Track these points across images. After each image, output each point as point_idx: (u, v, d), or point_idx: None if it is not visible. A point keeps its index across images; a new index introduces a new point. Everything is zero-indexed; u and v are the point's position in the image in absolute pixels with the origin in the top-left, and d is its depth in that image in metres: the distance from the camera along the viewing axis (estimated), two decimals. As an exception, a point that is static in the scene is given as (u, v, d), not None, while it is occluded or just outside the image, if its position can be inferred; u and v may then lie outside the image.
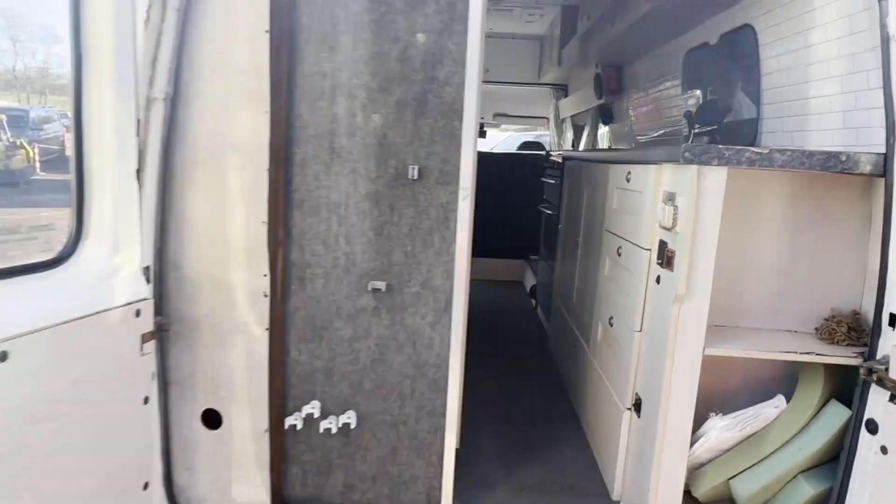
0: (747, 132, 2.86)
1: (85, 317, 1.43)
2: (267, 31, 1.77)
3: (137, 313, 1.64)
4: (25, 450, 1.30)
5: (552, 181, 4.34)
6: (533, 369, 3.70)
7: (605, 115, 5.39)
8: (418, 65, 1.88)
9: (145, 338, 1.68)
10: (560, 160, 4.05)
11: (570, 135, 7.44)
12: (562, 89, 7.30)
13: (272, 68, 1.79)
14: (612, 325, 2.47)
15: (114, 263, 1.58)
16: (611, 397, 2.40)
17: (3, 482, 1.25)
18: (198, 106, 1.82)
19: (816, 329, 2.09)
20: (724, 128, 3.11)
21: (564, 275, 3.71)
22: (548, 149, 7.70)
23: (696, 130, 3.13)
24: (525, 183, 5.57)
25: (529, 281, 5.71)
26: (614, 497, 2.30)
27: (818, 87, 2.25)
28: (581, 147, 6.59)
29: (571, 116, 7.10)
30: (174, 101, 1.80)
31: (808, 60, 2.29)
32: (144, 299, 1.67)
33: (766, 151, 1.74)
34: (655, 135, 4.70)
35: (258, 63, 1.78)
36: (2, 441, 1.24)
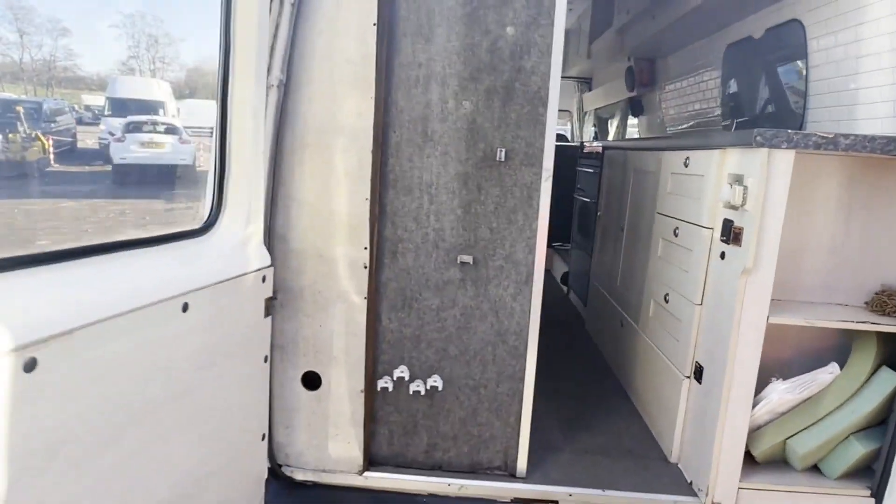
0: (791, 122, 3.01)
1: (231, 278, 1.61)
2: (374, 24, 1.93)
3: (263, 279, 1.81)
4: (190, 393, 1.47)
5: (590, 171, 4.49)
6: (574, 349, 3.88)
7: (636, 107, 5.54)
8: (507, 55, 2.04)
9: (267, 302, 1.86)
10: (599, 150, 4.20)
11: (592, 127, 7.58)
12: (586, 83, 7.44)
13: (378, 58, 1.95)
14: (667, 302, 2.64)
15: (247, 233, 1.76)
16: (667, 368, 2.57)
17: (175, 419, 1.43)
18: (307, 93, 1.98)
19: (866, 303, 2.25)
20: (766, 118, 3.26)
21: (605, 259, 3.87)
22: (571, 141, 7.84)
23: (739, 120, 3.28)
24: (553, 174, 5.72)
25: (557, 269, 5.87)
26: (672, 460, 2.47)
27: (868, 79, 2.41)
28: (610, 138, 6.73)
29: (595, 109, 7.25)
30: (286, 88, 1.97)
31: (859, 53, 2.45)
32: (269, 266, 1.84)
33: (831, 136, 1.90)
34: (686, 126, 4.85)
35: (365, 53, 1.95)
36: (177, 383, 1.42)
